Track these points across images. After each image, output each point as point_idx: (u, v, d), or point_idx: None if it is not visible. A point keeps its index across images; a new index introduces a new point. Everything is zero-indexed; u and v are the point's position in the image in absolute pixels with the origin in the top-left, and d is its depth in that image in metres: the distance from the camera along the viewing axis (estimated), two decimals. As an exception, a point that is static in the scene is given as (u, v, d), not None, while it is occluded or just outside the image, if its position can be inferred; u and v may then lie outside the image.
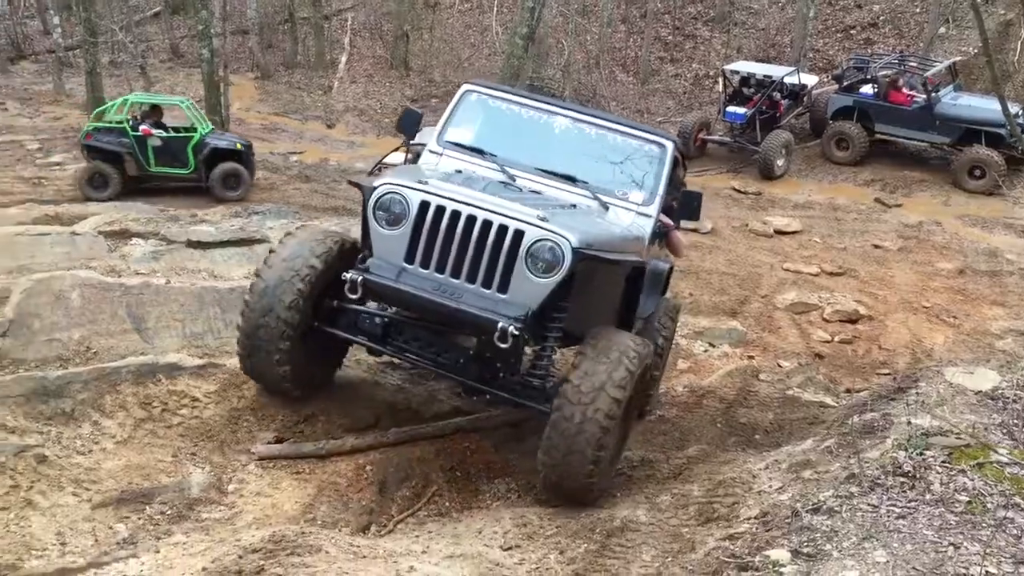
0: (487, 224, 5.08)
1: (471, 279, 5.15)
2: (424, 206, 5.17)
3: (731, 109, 18.34)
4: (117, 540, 4.56)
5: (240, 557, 4.01)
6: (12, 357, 6.10)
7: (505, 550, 4.67)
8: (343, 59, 24.19)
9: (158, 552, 4.40)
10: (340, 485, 5.53)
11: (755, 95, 18.39)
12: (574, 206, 5.80)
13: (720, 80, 19.25)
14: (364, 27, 26.80)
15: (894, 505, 3.73)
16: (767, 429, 7.38)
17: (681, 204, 6.29)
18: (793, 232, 14.81)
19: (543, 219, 5.06)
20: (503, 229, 5.07)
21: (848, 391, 8.85)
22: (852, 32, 23.81)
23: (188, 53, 25.18)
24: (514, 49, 17.61)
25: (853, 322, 11.36)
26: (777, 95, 18.29)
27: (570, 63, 22.29)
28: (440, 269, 5.19)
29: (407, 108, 6.85)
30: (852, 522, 3.68)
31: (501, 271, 5.11)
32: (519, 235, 5.06)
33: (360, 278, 5.26)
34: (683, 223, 6.93)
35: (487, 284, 5.14)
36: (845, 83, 18.60)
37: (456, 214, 5.12)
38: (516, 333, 4.97)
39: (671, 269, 7.59)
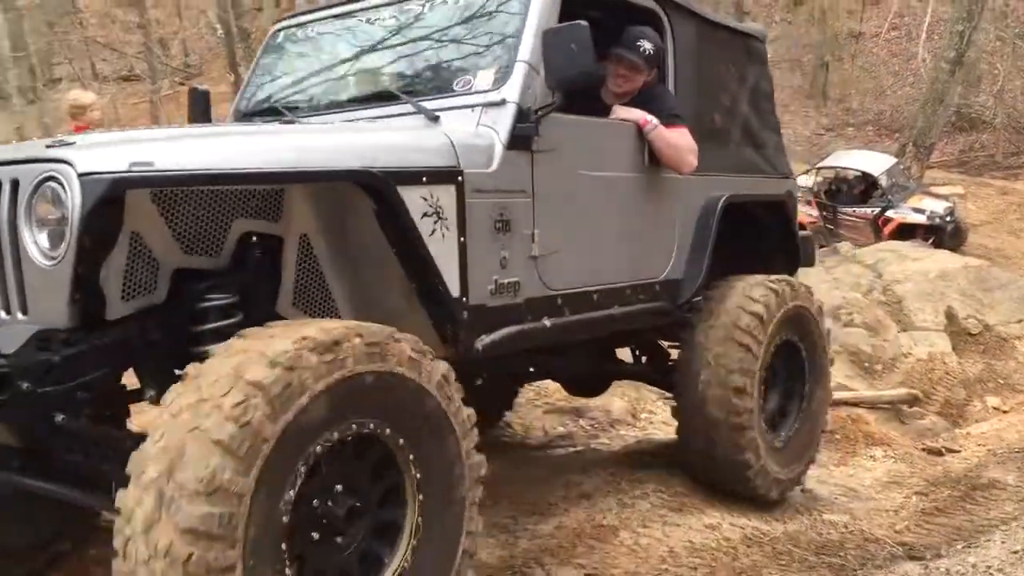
0: None
1: None
2: None
3: None
4: (558, 434, 6.05)
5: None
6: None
7: (876, 490, 5.43)
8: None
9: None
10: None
11: None
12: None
13: None
14: (783, 59, 27.48)
15: None
16: None
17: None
18: None
19: (56, 144, 2.59)
20: None
21: None
22: None
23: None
24: (939, 74, 17.28)
25: None
26: None
27: (1004, 89, 21.11)
28: None
29: (191, 88, 4.61)
30: None
31: (12, 267, 2.67)
32: (15, 188, 2.59)
33: None
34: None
35: (3, 302, 2.75)
36: None
37: None
38: None
39: (744, 204, 4.71)
